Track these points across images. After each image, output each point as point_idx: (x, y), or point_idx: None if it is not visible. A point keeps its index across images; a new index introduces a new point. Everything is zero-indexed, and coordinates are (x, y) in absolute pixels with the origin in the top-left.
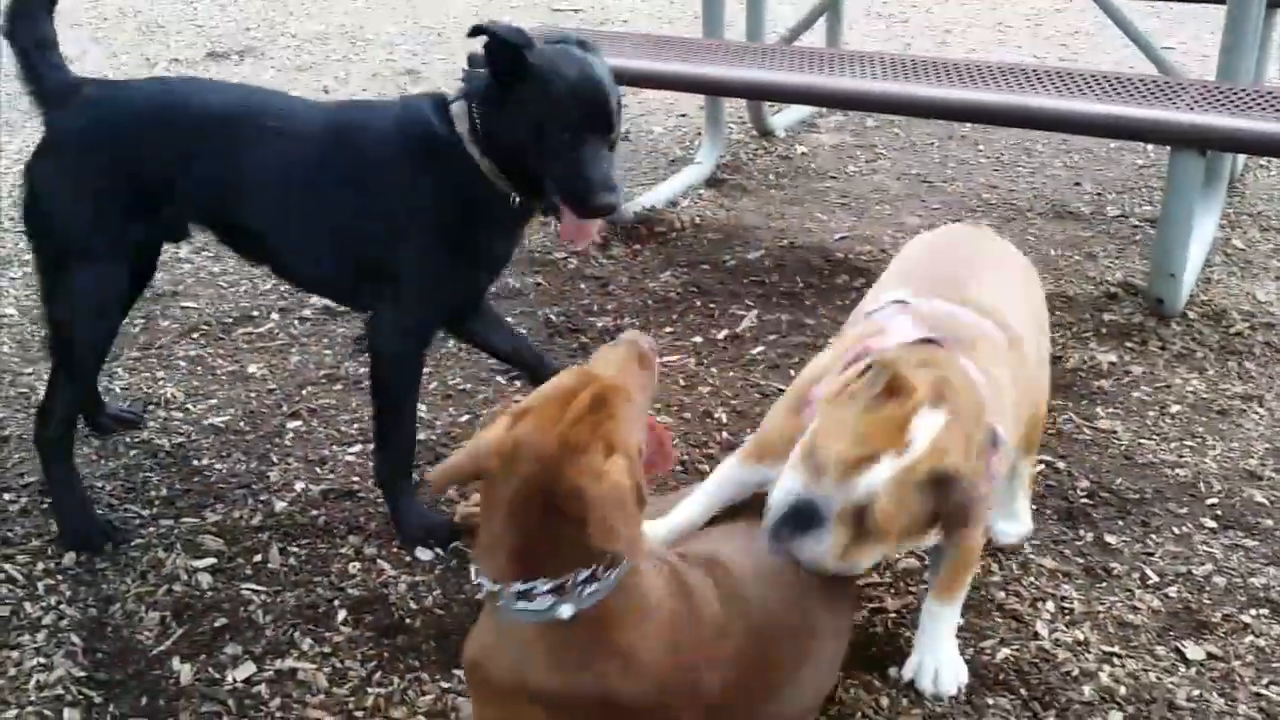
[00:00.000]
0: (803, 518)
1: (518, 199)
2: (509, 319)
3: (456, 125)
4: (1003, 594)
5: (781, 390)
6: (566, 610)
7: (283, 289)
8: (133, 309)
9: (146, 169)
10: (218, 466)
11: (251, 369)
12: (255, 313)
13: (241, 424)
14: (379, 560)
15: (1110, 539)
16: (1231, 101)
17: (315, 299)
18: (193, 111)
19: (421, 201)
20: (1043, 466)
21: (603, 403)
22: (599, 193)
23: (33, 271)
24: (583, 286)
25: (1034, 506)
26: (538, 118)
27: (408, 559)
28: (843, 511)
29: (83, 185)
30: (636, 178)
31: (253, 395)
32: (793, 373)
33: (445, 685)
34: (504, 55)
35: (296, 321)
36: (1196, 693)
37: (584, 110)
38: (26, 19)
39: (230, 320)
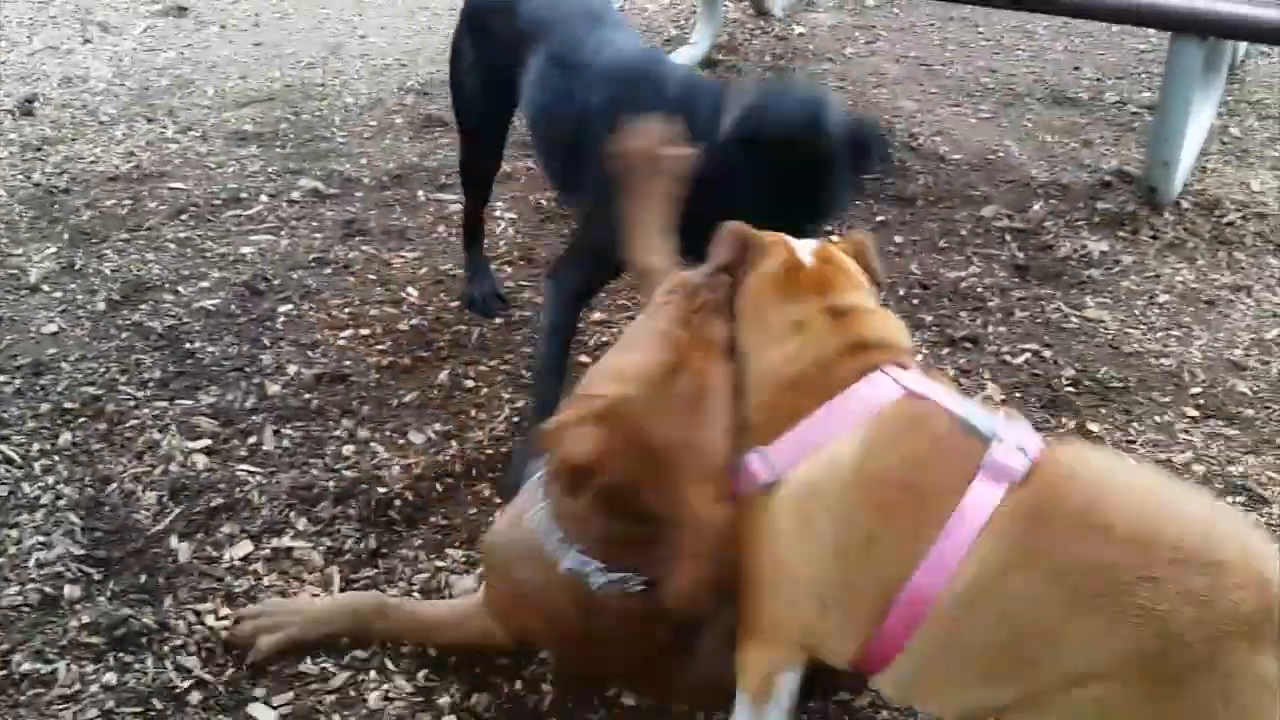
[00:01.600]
0: None
1: None
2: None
3: None
4: None
5: None
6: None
7: (270, 171)
8: (119, 190)
9: (494, 53)
10: (210, 349)
11: (242, 251)
12: (244, 194)
13: (232, 307)
14: (372, 443)
15: (1093, 426)
16: None
17: (303, 181)
18: (531, 11)
19: None
20: (1029, 355)
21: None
22: None
23: None
24: None
25: (1018, 394)
26: None
27: (400, 442)
28: None
29: (462, 55)
30: None
31: (243, 278)
32: None
33: (440, 564)
34: None
35: (285, 204)
36: None
37: None
38: None
39: (219, 202)
